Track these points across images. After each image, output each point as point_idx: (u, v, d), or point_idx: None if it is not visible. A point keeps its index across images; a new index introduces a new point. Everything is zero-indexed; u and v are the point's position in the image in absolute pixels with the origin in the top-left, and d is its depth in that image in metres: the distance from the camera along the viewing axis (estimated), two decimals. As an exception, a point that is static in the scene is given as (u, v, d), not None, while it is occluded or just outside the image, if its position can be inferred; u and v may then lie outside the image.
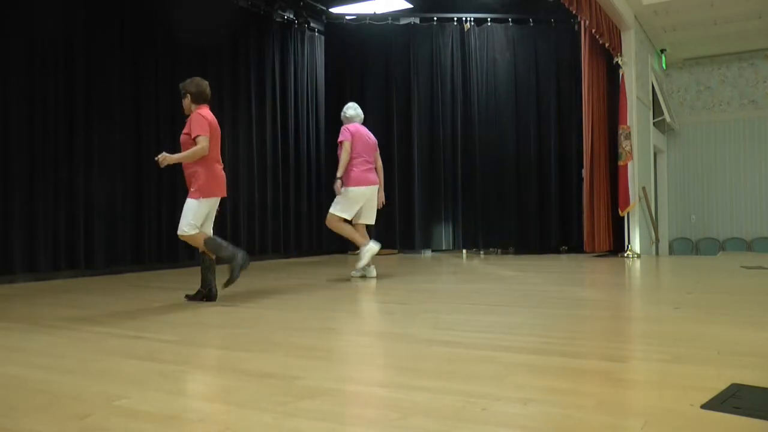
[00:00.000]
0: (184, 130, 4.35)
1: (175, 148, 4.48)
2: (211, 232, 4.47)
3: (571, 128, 9.34)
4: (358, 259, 5.83)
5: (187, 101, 4.43)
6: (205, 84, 4.44)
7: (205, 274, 4.40)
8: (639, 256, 8.56)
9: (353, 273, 5.92)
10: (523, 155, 9.51)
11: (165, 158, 4.21)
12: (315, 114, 10.02)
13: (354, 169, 5.72)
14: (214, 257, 4.39)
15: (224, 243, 4.33)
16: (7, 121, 5.89)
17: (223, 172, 4.46)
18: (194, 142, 4.26)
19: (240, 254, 4.30)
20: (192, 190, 4.30)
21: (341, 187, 5.69)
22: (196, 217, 4.28)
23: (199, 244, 4.32)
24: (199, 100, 4.40)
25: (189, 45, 7.56)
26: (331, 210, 5.78)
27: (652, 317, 3.74)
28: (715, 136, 11.74)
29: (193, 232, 4.27)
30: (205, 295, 4.37)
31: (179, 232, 4.30)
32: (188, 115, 4.40)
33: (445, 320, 3.61)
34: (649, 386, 2.17)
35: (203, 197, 4.29)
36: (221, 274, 4.36)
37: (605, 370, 2.36)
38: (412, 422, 1.73)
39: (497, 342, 2.87)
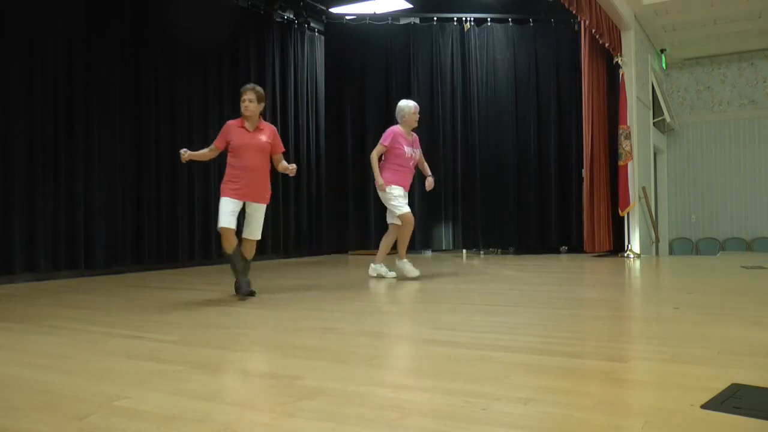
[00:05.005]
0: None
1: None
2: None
3: (571, 128, 9.33)
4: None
5: None
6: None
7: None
8: (639, 256, 8.56)
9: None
10: (523, 155, 9.50)
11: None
12: (315, 114, 10.01)
13: None
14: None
15: None
16: (8, 121, 5.89)
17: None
18: None
19: None
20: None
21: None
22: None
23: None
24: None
25: (189, 45, 7.56)
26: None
27: (652, 317, 3.74)
28: (715, 136, 11.74)
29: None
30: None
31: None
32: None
33: (445, 320, 3.61)
34: (649, 386, 2.16)
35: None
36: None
37: (605, 370, 2.36)
38: (412, 422, 1.73)
39: (497, 342, 2.87)
